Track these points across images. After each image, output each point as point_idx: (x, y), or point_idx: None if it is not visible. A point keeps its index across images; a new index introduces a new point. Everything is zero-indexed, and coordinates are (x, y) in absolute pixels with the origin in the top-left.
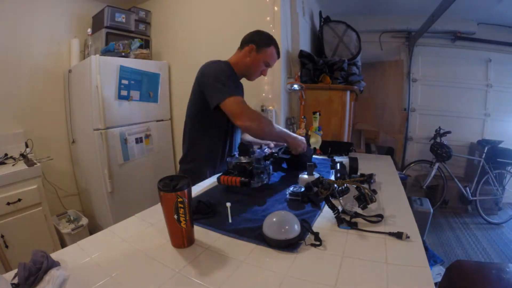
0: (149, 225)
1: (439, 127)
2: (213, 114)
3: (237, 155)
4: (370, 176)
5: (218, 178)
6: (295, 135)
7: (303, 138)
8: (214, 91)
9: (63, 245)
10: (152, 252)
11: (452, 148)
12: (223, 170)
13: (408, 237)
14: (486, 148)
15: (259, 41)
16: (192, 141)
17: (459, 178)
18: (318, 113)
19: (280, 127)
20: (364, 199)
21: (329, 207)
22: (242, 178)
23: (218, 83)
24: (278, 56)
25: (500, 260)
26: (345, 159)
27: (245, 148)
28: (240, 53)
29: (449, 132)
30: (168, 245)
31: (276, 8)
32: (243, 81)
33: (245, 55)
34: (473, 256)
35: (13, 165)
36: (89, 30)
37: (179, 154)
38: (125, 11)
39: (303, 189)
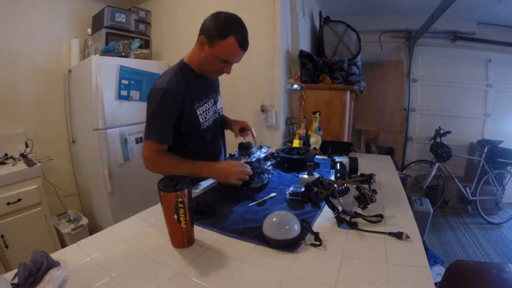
0: (149, 225)
1: (439, 127)
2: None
3: (237, 155)
4: (370, 176)
5: None
6: (218, 164)
7: (234, 163)
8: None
9: (63, 245)
10: (152, 252)
11: (452, 148)
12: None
13: (408, 237)
14: (486, 148)
15: (211, 31)
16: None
17: (459, 178)
18: (318, 113)
19: (192, 163)
20: (364, 199)
21: (329, 207)
22: None
23: (147, 120)
24: (244, 48)
25: (500, 260)
26: (345, 159)
27: (245, 148)
28: (195, 46)
29: (449, 132)
30: (168, 245)
31: (276, 8)
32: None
33: (198, 48)
34: (473, 256)
35: (13, 165)
36: (89, 30)
37: None
38: (125, 11)
39: (303, 189)
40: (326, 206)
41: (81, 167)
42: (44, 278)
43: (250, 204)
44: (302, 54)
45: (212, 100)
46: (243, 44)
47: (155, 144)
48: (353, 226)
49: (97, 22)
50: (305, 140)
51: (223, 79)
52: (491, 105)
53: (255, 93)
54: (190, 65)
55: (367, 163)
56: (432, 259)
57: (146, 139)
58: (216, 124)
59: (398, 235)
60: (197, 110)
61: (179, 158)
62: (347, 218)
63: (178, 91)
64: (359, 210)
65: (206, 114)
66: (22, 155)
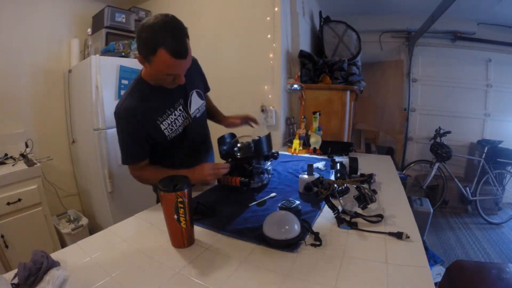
0: (149, 225)
1: (439, 127)
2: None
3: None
4: (370, 176)
5: (218, 178)
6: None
7: (206, 165)
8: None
9: (63, 245)
10: (152, 252)
11: (452, 148)
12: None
13: (408, 237)
14: (486, 148)
15: (141, 48)
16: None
17: (459, 178)
18: (318, 113)
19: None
20: (364, 199)
21: (329, 207)
22: (242, 178)
23: (119, 144)
24: (180, 56)
25: (500, 260)
26: (345, 159)
27: (223, 141)
28: None
29: (449, 132)
30: (168, 245)
31: (276, 8)
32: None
33: (145, 65)
34: (473, 256)
35: (13, 165)
36: (89, 30)
37: None
38: (125, 11)
39: (297, 203)
40: (326, 206)
41: (81, 167)
42: (44, 278)
43: (250, 204)
44: (302, 54)
45: (179, 108)
46: (177, 52)
47: (130, 167)
48: (353, 226)
49: (97, 22)
50: (305, 140)
51: (223, 79)
52: (491, 105)
53: (255, 93)
54: (146, 80)
55: (367, 163)
56: (432, 259)
57: (125, 163)
58: (190, 129)
59: (398, 235)
60: (161, 125)
61: (158, 169)
62: (347, 218)
63: (134, 112)
64: (359, 210)
65: (172, 125)
66: (22, 155)
